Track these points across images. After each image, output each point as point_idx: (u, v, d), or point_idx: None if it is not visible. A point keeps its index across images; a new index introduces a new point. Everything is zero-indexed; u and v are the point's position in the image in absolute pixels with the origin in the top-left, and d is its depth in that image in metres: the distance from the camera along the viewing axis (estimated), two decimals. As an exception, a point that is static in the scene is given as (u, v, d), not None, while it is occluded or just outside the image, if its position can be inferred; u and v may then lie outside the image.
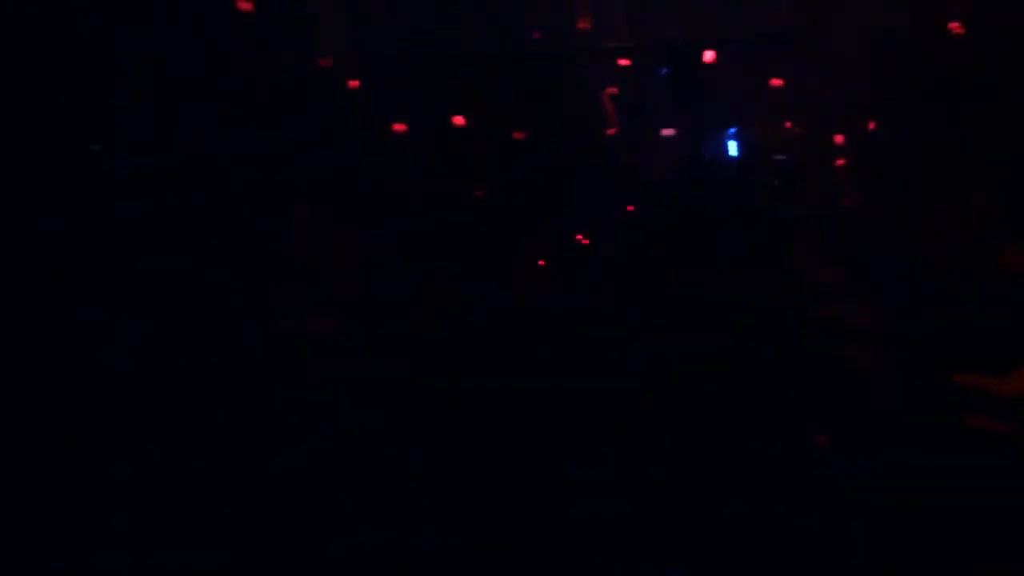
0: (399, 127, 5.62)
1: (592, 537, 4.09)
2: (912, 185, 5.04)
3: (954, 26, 5.69)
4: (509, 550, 4.11)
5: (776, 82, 5.56)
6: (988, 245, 4.71)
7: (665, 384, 4.15)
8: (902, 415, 4.30)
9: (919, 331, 4.61)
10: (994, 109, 5.40)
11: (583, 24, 5.54)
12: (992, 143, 5.27)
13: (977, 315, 4.59)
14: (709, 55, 5.41)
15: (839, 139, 5.58)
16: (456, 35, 5.57)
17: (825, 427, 4.22)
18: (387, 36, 5.60)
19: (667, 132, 5.53)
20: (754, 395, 4.24)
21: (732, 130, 4.58)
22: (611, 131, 5.68)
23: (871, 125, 5.61)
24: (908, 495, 4.18)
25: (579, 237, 4.51)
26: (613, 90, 5.70)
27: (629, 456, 4.24)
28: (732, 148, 4.53)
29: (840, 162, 5.24)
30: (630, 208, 4.69)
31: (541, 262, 4.53)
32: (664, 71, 4.82)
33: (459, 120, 5.70)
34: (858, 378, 4.34)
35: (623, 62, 5.61)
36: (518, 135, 5.59)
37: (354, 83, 5.59)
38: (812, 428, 4.22)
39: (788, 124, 5.05)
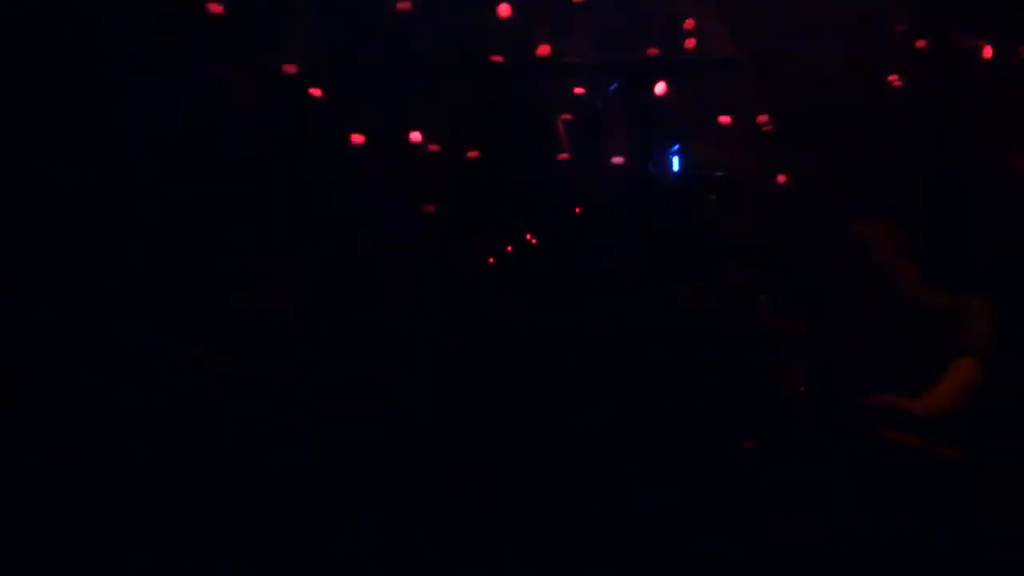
0: (357, 139, 5.75)
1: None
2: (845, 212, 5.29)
3: (893, 78, 5.96)
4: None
5: (722, 115, 5.82)
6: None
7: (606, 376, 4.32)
8: (821, 425, 4.51)
9: (845, 351, 4.84)
10: (933, 150, 5.68)
11: (543, 49, 5.74)
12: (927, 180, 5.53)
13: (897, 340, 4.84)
14: (660, 86, 5.64)
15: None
16: (419, 48, 5.73)
17: (749, 432, 4.41)
18: (353, 46, 5.75)
19: (617, 159, 5.74)
20: (682, 399, 4.41)
21: (675, 147, 4.80)
22: (564, 156, 5.87)
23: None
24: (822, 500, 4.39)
25: (528, 236, 4.70)
26: (567, 116, 5.90)
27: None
28: (674, 164, 4.77)
29: (780, 179, 5.48)
30: (577, 211, 4.89)
31: (491, 259, 4.70)
32: (614, 87, 5.04)
33: (416, 136, 5.85)
34: (782, 388, 4.54)
35: (578, 90, 5.81)
36: (472, 154, 5.75)
37: (316, 91, 5.73)
38: (738, 432, 4.40)
39: (729, 144, 5.31)
